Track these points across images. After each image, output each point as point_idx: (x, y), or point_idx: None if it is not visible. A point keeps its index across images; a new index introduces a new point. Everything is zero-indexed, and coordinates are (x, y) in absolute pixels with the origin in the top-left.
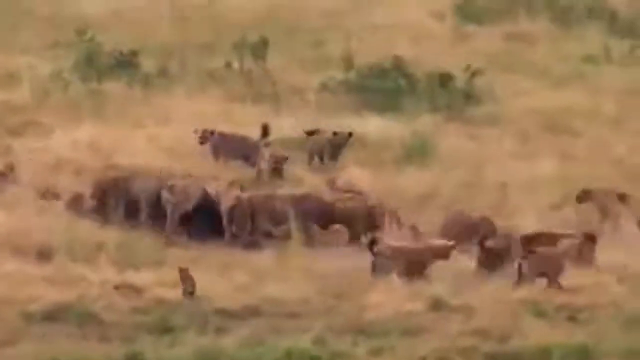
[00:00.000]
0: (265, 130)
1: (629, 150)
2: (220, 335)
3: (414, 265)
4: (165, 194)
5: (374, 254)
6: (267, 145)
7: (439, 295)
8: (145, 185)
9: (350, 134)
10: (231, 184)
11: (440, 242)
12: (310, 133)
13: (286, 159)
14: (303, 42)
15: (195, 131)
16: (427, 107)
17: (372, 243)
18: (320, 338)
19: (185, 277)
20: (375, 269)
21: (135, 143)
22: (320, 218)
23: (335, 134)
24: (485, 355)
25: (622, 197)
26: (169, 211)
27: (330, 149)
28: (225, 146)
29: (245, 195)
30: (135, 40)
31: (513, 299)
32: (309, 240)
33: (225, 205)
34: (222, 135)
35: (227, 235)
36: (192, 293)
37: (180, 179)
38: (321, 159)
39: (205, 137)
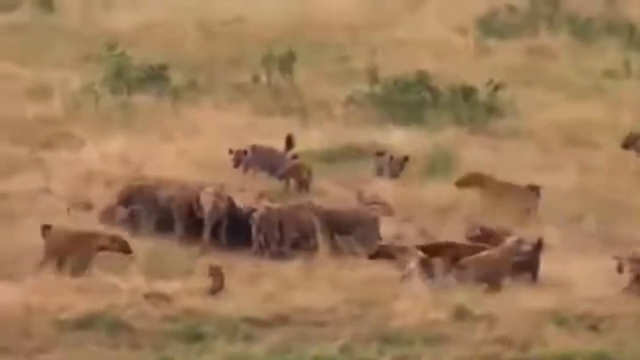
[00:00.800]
0: (289, 142)
1: None
2: (248, 343)
3: (495, 272)
4: (202, 201)
5: (458, 267)
6: (294, 157)
7: (463, 304)
8: (176, 195)
9: (406, 158)
10: (261, 195)
11: (512, 238)
12: (379, 154)
13: (309, 171)
14: (329, 57)
15: (230, 152)
16: (451, 120)
17: (455, 259)
18: (346, 346)
19: (215, 275)
20: (451, 284)
21: (164, 155)
22: (341, 227)
23: (391, 158)
24: None
25: (534, 189)
26: (205, 219)
27: (389, 170)
28: (255, 159)
29: (275, 206)
30: (164, 54)
31: (535, 308)
32: (336, 251)
33: (254, 215)
34: (253, 150)
35: (255, 245)
36: (214, 292)
37: (210, 189)
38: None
39: (239, 158)
